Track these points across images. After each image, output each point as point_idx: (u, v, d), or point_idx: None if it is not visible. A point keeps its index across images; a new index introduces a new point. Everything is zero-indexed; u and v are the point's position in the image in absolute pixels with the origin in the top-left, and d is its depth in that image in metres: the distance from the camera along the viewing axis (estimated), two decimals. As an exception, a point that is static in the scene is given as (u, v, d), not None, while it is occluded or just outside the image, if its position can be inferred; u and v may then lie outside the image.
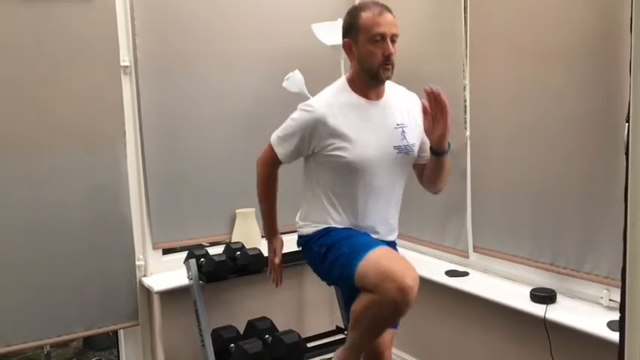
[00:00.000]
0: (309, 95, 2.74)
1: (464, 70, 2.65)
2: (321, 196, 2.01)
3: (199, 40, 2.81)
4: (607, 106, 2.07)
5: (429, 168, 2.03)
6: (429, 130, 1.89)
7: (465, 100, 2.66)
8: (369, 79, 1.94)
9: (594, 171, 2.14)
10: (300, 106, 2.00)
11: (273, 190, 2.17)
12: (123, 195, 2.67)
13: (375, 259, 1.79)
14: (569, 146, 2.22)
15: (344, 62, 2.97)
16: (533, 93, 2.34)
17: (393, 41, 1.90)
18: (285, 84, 2.74)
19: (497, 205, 2.54)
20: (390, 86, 2.03)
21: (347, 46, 1.96)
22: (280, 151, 2.04)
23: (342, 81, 2.02)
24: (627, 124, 1.05)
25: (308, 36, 2.83)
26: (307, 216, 2.07)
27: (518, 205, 2.45)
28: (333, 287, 2.98)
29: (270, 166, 2.12)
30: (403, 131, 1.99)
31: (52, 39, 2.46)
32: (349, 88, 1.98)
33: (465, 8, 2.61)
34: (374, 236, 2.01)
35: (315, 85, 2.79)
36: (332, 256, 1.93)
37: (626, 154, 1.06)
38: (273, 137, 2.07)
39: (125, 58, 2.65)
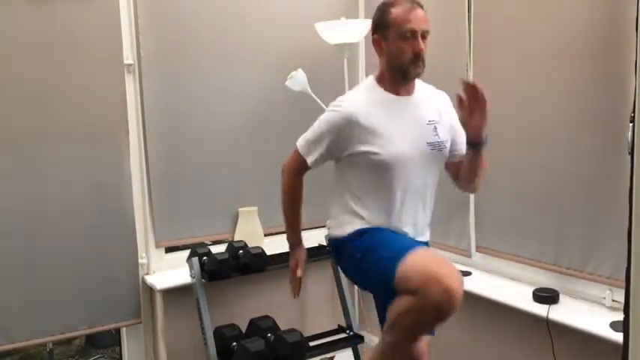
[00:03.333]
0: (312, 94, 2.74)
1: (467, 70, 2.65)
2: (353, 197, 1.94)
3: (203, 38, 2.81)
4: (611, 107, 2.06)
5: (466, 164, 1.95)
6: (466, 122, 1.83)
7: (469, 100, 2.66)
8: (398, 76, 1.90)
9: (598, 171, 2.14)
10: (329, 107, 1.95)
11: (299, 198, 2.09)
12: (126, 193, 2.67)
13: (417, 261, 1.70)
14: (573, 146, 2.22)
15: (347, 61, 2.98)
16: (537, 93, 2.34)
17: (423, 37, 1.86)
18: (288, 83, 2.74)
19: (500, 204, 2.54)
20: (419, 83, 1.99)
21: (376, 43, 1.92)
22: (310, 156, 1.96)
23: (369, 80, 1.98)
24: (632, 125, 1.05)
25: (311, 35, 2.83)
26: (339, 217, 1.99)
27: (521, 205, 2.44)
28: (335, 286, 2.98)
29: (297, 172, 2.04)
30: (435, 127, 1.94)
31: (56, 37, 2.47)
32: (378, 86, 1.93)
33: (469, 8, 2.60)
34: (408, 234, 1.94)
35: (318, 84, 2.81)
36: (369, 260, 1.85)
37: (631, 154, 1.06)
38: (301, 142, 1.99)
39: (129, 57, 2.66)
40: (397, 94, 1.93)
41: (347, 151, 1.90)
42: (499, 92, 2.52)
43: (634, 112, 1.02)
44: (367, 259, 1.86)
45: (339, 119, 1.88)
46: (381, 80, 1.94)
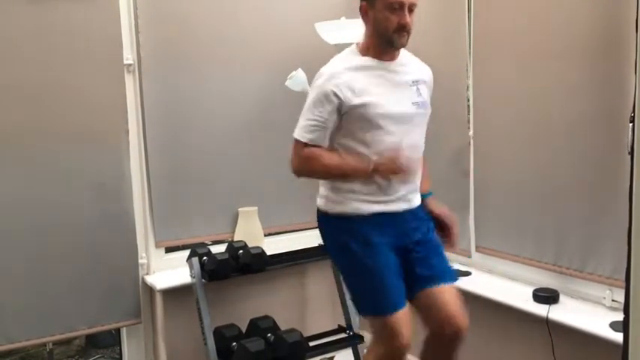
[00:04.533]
0: (308, 96, 2.74)
1: (467, 70, 2.65)
2: None
3: (203, 38, 2.81)
4: (611, 107, 2.06)
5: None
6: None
7: (468, 100, 2.66)
8: (383, 44, 1.92)
9: (598, 171, 2.14)
10: (312, 81, 1.97)
11: (329, 155, 1.93)
12: (126, 193, 2.67)
13: (384, 322, 1.92)
14: (573, 146, 2.22)
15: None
16: (536, 93, 2.34)
17: (410, 11, 1.88)
18: (288, 83, 2.74)
19: (500, 204, 2.54)
20: (404, 52, 2.01)
21: (363, 10, 1.94)
22: (310, 135, 1.91)
23: (351, 47, 2.00)
24: (631, 125, 1.05)
25: (311, 35, 2.83)
26: (328, 191, 2.00)
27: (521, 205, 2.44)
28: (335, 286, 2.97)
29: (307, 152, 1.92)
30: (418, 88, 1.98)
31: (56, 37, 2.47)
32: (358, 53, 1.96)
33: (469, 7, 2.60)
34: (400, 206, 1.96)
35: (319, 84, 2.80)
36: (353, 279, 2.04)
37: (631, 154, 1.06)
38: (297, 132, 1.95)
39: (128, 57, 2.65)
40: (380, 59, 1.95)
41: (342, 108, 1.89)
42: (499, 92, 2.52)
43: (634, 112, 1.02)
44: (348, 274, 2.07)
45: (325, 82, 1.90)
46: (364, 47, 1.97)
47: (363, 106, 1.87)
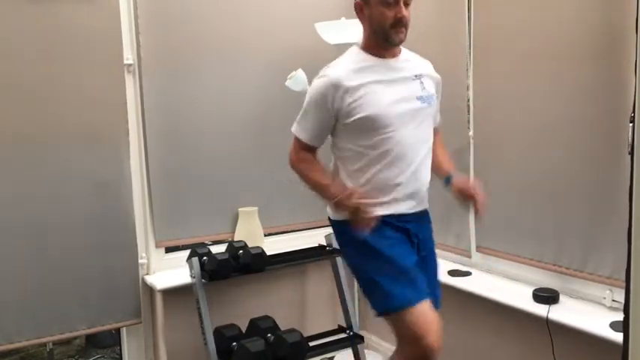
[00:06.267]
0: (307, 95, 2.74)
1: (467, 70, 2.65)
2: (351, 173, 1.94)
3: (203, 38, 2.81)
4: (611, 107, 2.06)
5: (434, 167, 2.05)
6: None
7: (468, 100, 2.66)
8: (381, 41, 1.91)
9: (598, 171, 2.14)
10: (314, 79, 1.96)
11: (318, 166, 1.98)
12: (126, 193, 2.67)
13: (404, 317, 1.81)
14: (573, 146, 2.22)
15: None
16: (536, 93, 2.34)
17: (406, 5, 1.87)
18: (288, 83, 2.74)
19: (500, 204, 2.54)
20: (405, 50, 2.01)
21: (358, 8, 1.92)
22: (305, 135, 1.94)
23: (352, 47, 2.00)
24: (632, 125, 1.05)
25: (311, 35, 2.83)
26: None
27: (521, 205, 2.44)
28: (335, 288, 2.98)
29: (301, 153, 1.98)
30: (422, 82, 1.97)
31: (56, 37, 2.46)
32: (362, 51, 1.95)
33: (469, 7, 2.60)
34: (407, 206, 1.94)
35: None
36: (368, 279, 1.91)
37: (631, 154, 1.06)
38: (295, 127, 1.98)
39: (129, 57, 2.65)
40: (381, 57, 1.94)
41: (339, 117, 1.89)
42: (499, 92, 2.52)
43: (634, 112, 1.02)
44: (362, 268, 1.95)
45: (324, 87, 1.88)
46: (364, 46, 1.96)
47: (362, 111, 1.86)
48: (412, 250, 1.95)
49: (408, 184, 1.93)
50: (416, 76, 1.97)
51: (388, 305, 1.84)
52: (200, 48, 2.81)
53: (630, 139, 1.07)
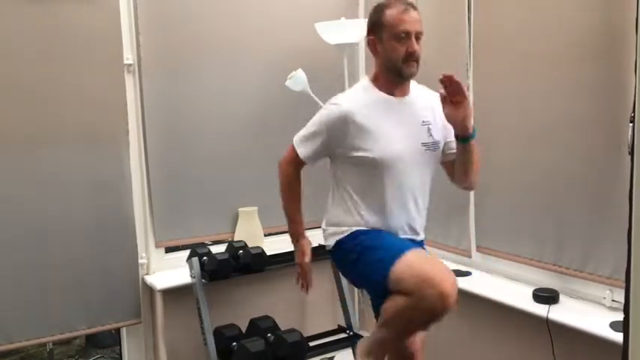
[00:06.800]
0: (312, 94, 2.74)
1: (467, 70, 2.65)
2: (348, 198, 1.97)
3: (203, 38, 2.81)
4: (611, 107, 2.06)
5: (459, 160, 1.97)
6: (451, 116, 1.84)
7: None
8: (393, 76, 1.93)
9: (598, 171, 2.14)
10: (327, 104, 1.99)
11: (297, 191, 2.12)
12: (126, 193, 2.67)
13: (412, 263, 1.75)
14: (573, 146, 2.22)
15: (347, 61, 2.98)
16: (536, 93, 2.34)
17: (417, 39, 1.88)
18: (288, 83, 2.74)
19: (501, 204, 2.54)
20: (414, 84, 2.01)
21: (371, 44, 1.95)
22: (303, 151, 2.00)
23: (365, 80, 2.01)
24: (632, 125, 1.05)
25: (311, 35, 2.83)
26: (333, 220, 2.02)
27: (522, 205, 2.44)
28: (335, 287, 2.98)
29: (292, 166, 2.08)
30: (429, 128, 1.97)
31: (56, 37, 2.47)
32: (373, 86, 1.97)
33: (469, 7, 2.60)
34: (402, 237, 1.97)
35: (318, 84, 2.81)
36: (364, 260, 1.89)
37: (631, 154, 1.06)
38: (296, 138, 2.04)
39: (129, 57, 2.65)
40: (392, 94, 1.96)
41: (341, 148, 1.93)
42: (499, 92, 2.52)
43: (634, 112, 1.02)
44: (362, 260, 1.90)
45: (335, 116, 1.92)
46: (376, 81, 1.97)
47: (368, 151, 1.89)
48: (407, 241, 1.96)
49: (401, 219, 1.96)
50: (424, 122, 1.97)
51: (386, 264, 1.77)
52: (200, 48, 2.81)
53: (630, 139, 1.07)
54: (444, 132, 2.00)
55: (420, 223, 2.03)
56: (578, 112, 2.19)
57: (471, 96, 2.65)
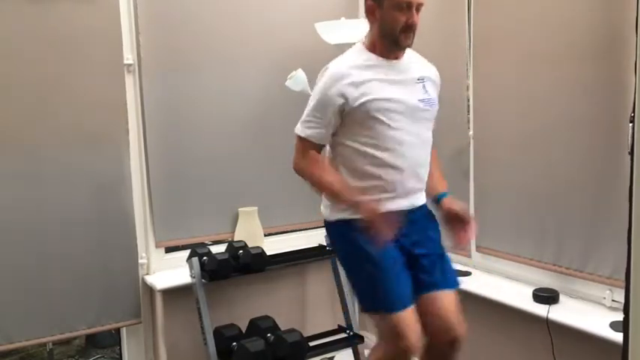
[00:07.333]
0: (312, 94, 2.74)
1: (467, 70, 2.65)
2: (348, 171, 1.94)
3: (203, 38, 2.81)
4: (611, 107, 2.06)
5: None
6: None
7: (468, 100, 2.66)
8: (389, 44, 1.93)
9: (598, 171, 2.14)
10: (319, 75, 1.97)
11: (324, 166, 1.98)
12: (126, 193, 2.67)
13: (389, 321, 1.87)
14: (573, 146, 2.22)
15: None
16: (536, 93, 2.34)
17: (417, 10, 1.89)
18: (288, 83, 2.74)
19: (500, 204, 2.54)
20: (408, 50, 2.01)
21: (370, 10, 1.93)
22: (312, 132, 1.93)
23: (357, 45, 2.01)
24: (632, 125, 1.05)
25: (311, 35, 2.83)
26: (328, 202, 1.99)
27: (521, 205, 2.44)
28: (336, 288, 2.98)
29: (307, 157, 1.95)
30: (424, 85, 1.98)
31: (56, 37, 2.46)
32: (366, 50, 1.96)
33: (469, 7, 2.60)
34: (400, 204, 1.93)
35: (319, 84, 2.80)
36: (359, 274, 1.97)
37: (631, 154, 1.06)
38: (298, 127, 1.96)
39: (129, 57, 2.65)
40: (386, 58, 1.95)
41: (346, 104, 1.88)
42: (499, 92, 2.52)
43: (634, 112, 1.02)
44: (358, 269, 1.98)
45: (329, 80, 1.90)
46: (370, 46, 1.97)
47: (367, 103, 1.87)
48: (401, 254, 1.95)
49: (407, 181, 1.94)
50: (419, 79, 1.98)
51: (375, 306, 1.94)
52: (200, 48, 2.81)
53: (630, 139, 1.07)
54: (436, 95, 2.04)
55: (424, 172, 2.00)
56: (578, 112, 2.19)
57: (471, 96, 2.66)
